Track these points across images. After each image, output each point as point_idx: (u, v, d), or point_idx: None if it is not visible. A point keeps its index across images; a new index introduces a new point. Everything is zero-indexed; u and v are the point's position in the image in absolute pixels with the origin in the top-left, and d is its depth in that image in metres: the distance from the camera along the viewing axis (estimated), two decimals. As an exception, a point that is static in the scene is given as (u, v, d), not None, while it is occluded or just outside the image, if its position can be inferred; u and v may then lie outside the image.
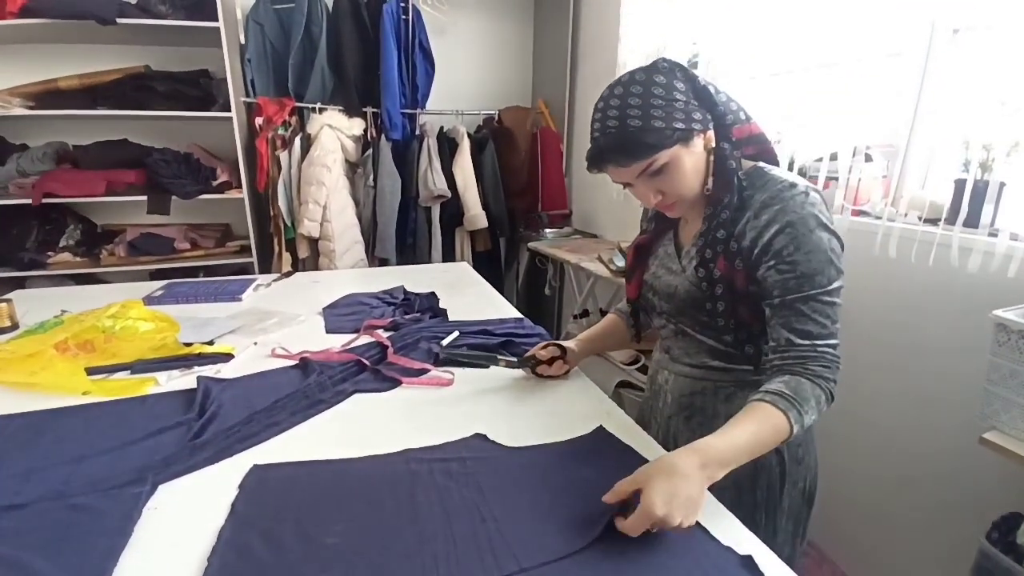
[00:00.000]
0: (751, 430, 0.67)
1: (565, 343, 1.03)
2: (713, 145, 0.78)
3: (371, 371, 1.04)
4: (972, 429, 0.99)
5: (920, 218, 1.24)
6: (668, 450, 0.73)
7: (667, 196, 0.79)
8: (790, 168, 1.49)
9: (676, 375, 0.90)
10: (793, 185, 0.75)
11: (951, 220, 1.18)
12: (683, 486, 0.60)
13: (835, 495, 1.49)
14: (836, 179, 1.38)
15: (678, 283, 0.85)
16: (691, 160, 0.76)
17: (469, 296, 1.57)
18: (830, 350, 0.72)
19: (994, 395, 0.96)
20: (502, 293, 1.65)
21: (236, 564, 0.58)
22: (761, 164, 0.80)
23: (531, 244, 2.51)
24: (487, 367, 1.06)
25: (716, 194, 0.79)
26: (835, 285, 0.73)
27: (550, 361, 1.01)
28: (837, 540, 1.49)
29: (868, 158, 1.37)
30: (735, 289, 0.78)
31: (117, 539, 0.61)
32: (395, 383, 1.00)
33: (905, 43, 1.28)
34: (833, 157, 1.39)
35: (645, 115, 0.73)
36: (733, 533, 0.64)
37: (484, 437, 0.82)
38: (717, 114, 0.78)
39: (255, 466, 0.75)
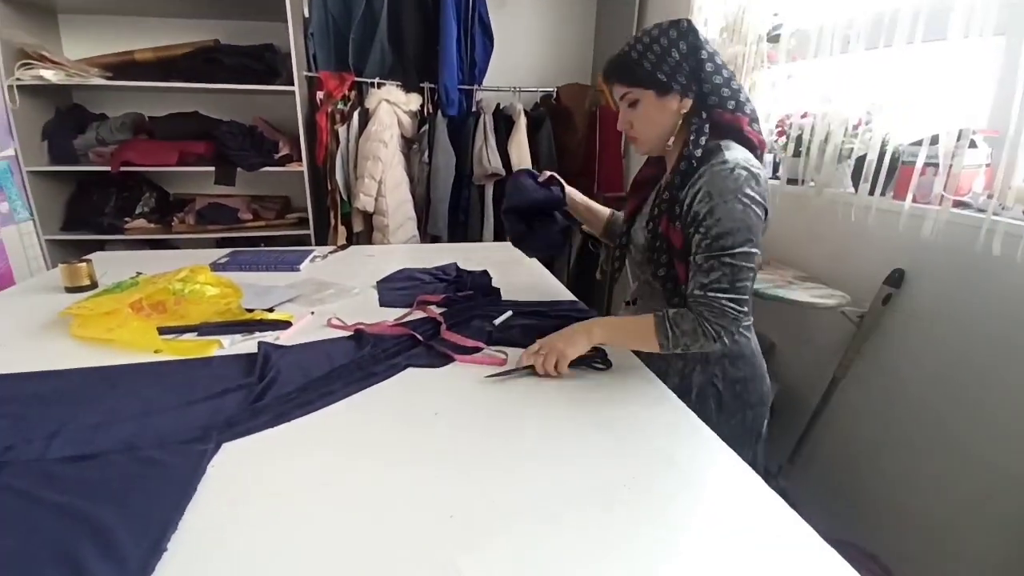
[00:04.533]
0: (632, 325, 0.94)
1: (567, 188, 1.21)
2: (685, 111, 0.89)
3: (424, 346, 1.03)
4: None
5: (1029, 212, 1.11)
6: None
7: (634, 129, 0.94)
8: (882, 151, 1.36)
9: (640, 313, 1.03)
10: (725, 162, 0.85)
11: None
12: (568, 330, 0.92)
13: (908, 506, 1.39)
14: (936, 165, 1.25)
15: (641, 237, 1.00)
16: (659, 111, 0.89)
17: (521, 276, 1.54)
18: (725, 301, 0.83)
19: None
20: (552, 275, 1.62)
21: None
22: (725, 142, 0.88)
23: (584, 227, 2.44)
24: (604, 368, 0.98)
25: (676, 163, 0.91)
26: (740, 250, 0.83)
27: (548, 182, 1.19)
28: (911, 555, 1.39)
29: (972, 144, 1.23)
30: (673, 247, 0.92)
31: (183, 493, 0.63)
32: (448, 359, 0.99)
33: (1017, 19, 1.12)
34: (934, 141, 1.25)
35: (642, 54, 0.88)
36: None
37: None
38: (703, 90, 0.88)
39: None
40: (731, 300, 0.83)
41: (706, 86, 0.88)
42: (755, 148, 0.91)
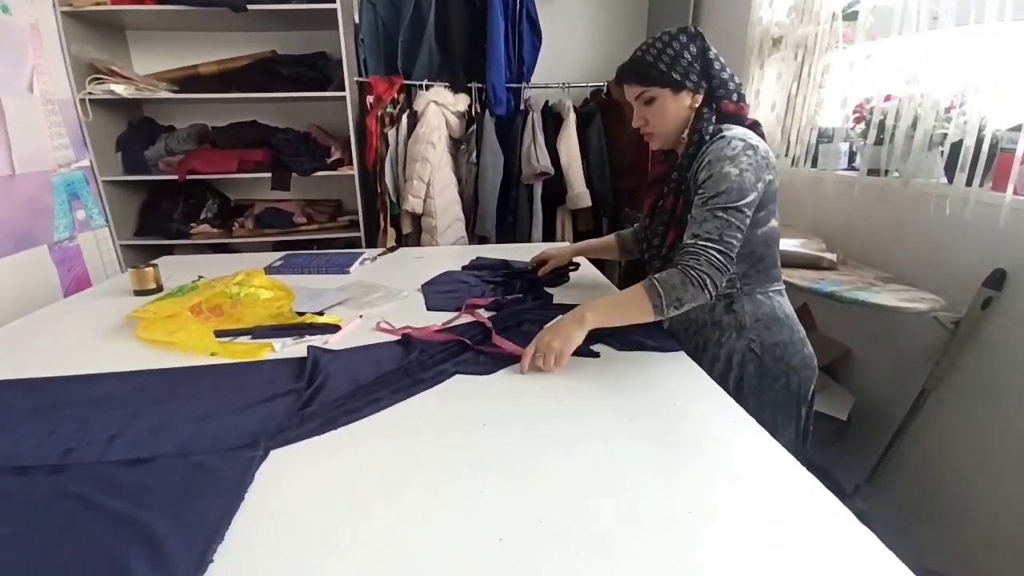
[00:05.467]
0: (622, 299, 0.97)
1: (559, 252, 1.42)
2: (697, 106, 1.00)
3: (472, 352, 1.00)
4: None
5: None
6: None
7: (649, 125, 1.03)
8: (979, 136, 1.21)
9: None
10: (723, 136, 0.96)
11: None
12: (560, 325, 0.93)
13: (1003, 534, 1.23)
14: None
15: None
16: (675, 107, 1.00)
17: (572, 277, 1.48)
18: (712, 251, 0.89)
19: None
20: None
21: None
22: (727, 125, 0.98)
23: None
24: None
25: (686, 148, 1.00)
26: (732, 205, 0.90)
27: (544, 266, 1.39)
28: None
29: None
30: (672, 217, 1.03)
31: (232, 501, 0.62)
32: (497, 367, 0.95)
33: None
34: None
35: (657, 56, 0.98)
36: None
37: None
38: (713, 85, 0.99)
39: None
40: (717, 251, 0.89)
41: (715, 81, 0.99)
42: (756, 127, 1.03)
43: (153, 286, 1.42)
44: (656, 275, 0.92)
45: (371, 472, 0.68)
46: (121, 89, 2.16)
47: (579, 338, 0.92)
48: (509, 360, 0.96)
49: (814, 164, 1.75)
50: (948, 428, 1.38)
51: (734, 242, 0.91)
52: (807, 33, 1.69)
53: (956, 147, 1.27)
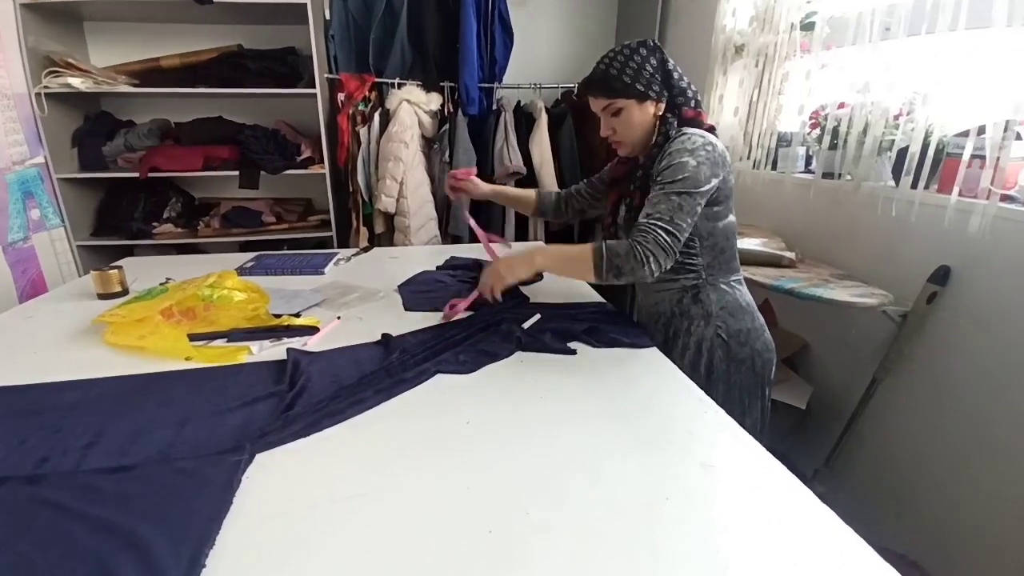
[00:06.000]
0: (570, 252, 1.04)
1: (477, 186, 1.39)
2: (660, 113, 1.07)
3: (453, 351, 1.01)
4: None
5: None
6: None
7: (617, 134, 1.10)
8: (926, 142, 1.30)
9: (641, 290, 1.21)
10: (683, 134, 1.03)
11: None
12: (508, 258, 1.05)
13: (952, 513, 1.33)
14: (982, 157, 1.18)
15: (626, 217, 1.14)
16: (640, 115, 1.06)
17: (547, 278, 1.52)
18: (660, 231, 0.94)
19: None
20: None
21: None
22: (687, 129, 1.05)
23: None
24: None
25: (650, 150, 1.07)
26: (685, 190, 0.96)
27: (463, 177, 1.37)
28: (955, 566, 1.34)
29: (1018, 136, 1.16)
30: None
31: (220, 505, 0.63)
32: (477, 365, 0.97)
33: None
34: (980, 132, 1.19)
35: (621, 69, 1.03)
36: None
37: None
38: (673, 93, 1.07)
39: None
40: (665, 231, 0.95)
41: (675, 90, 1.06)
42: (713, 131, 1.09)
43: (118, 289, 1.38)
44: (608, 241, 0.98)
45: (358, 471, 0.70)
46: (78, 82, 2.07)
47: (525, 272, 1.04)
48: (491, 359, 0.98)
49: (774, 167, 1.84)
50: (897, 415, 1.47)
51: (684, 225, 0.96)
52: (767, 42, 1.77)
53: (903, 152, 1.36)
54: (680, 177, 0.97)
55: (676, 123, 1.06)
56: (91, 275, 1.37)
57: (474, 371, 0.96)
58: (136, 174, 2.27)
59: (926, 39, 1.29)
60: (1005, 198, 1.17)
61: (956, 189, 1.24)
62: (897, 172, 1.39)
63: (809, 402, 1.64)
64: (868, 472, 1.57)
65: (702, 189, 0.98)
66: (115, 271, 1.37)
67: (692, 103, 1.08)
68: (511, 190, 1.44)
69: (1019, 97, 1.15)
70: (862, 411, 1.53)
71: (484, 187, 1.40)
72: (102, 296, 1.35)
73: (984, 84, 1.23)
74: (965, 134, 1.22)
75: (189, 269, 1.46)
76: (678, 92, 1.07)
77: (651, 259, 0.93)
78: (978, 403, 1.27)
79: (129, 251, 2.29)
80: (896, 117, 1.41)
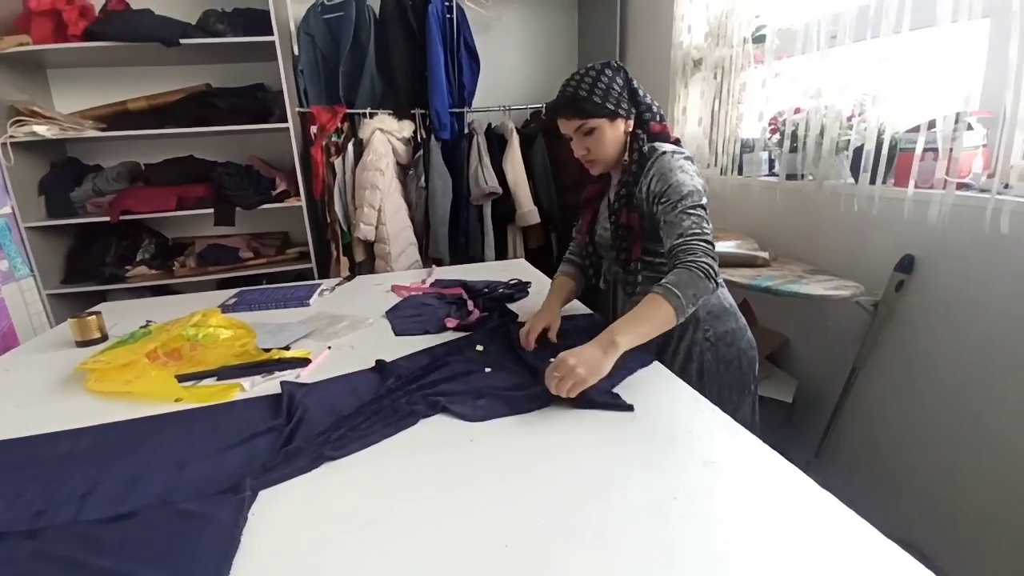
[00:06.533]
0: (643, 313, 0.91)
1: (548, 317, 1.16)
2: (631, 130, 1.10)
3: (460, 382, 0.97)
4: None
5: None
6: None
7: (591, 153, 1.11)
8: (880, 139, 1.37)
9: (623, 301, 1.21)
10: (664, 153, 1.07)
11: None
12: (587, 351, 0.86)
13: (938, 491, 1.37)
14: (934, 150, 1.26)
15: (608, 234, 1.16)
16: (612, 133, 1.09)
17: (532, 293, 1.54)
18: (702, 242, 0.95)
19: None
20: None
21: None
22: (657, 143, 1.10)
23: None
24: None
25: (627, 166, 1.10)
26: (698, 203, 0.99)
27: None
28: (947, 543, 1.38)
29: (969, 126, 1.24)
30: (632, 231, 1.10)
31: (228, 544, 0.62)
32: (488, 414, 0.87)
33: (998, 1, 1.15)
34: (931, 125, 1.26)
35: (591, 90, 1.06)
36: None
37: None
38: (640, 110, 1.10)
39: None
40: (706, 241, 0.95)
41: (642, 107, 1.10)
42: (679, 143, 1.14)
43: (97, 335, 1.35)
44: (663, 281, 0.91)
45: (366, 498, 0.69)
46: (44, 130, 2.04)
47: (607, 367, 0.85)
48: (512, 411, 0.89)
49: (740, 172, 1.91)
50: (878, 400, 1.53)
51: (711, 234, 0.97)
52: (723, 55, 1.86)
53: (859, 151, 1.44)
54: (685, 193, 0.99)
55: (646, 138, 1.10)
56: (69, 323, 1.34)
57: (483, 420, 0.86)
58: (107, 218, 2.23)
59: (872, 43, 1.38)
60: (961, 186, 1.24)
61: (912, 182, 1.31)
62: (855, 170, 1.46)
63: (795, 395, 1.69)
64: (855, 458, 1.61)
65: (704, 200, 1.01)
66: (93, 317, 1.35)
67: (658, 118, 1.12)
68: (563, 294, 1.26)
69: (968, 89, 1.24)
70: (845, 401, 1.58)
71: (557, 313, 1.19)
72: (81, 344, 1.32)
73: (931, 80, 1.31)
74: (916, 129, 1.30)
75: (169, 310, 1.44)
76: (644, 108, 1.11)
77: (712, 271, 0.91)
78: (953, 382, 1.32)
79: (101, 297, 2.24)
80: (849, 118, 1.49)
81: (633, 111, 1.10)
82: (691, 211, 0.98)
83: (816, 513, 0.62)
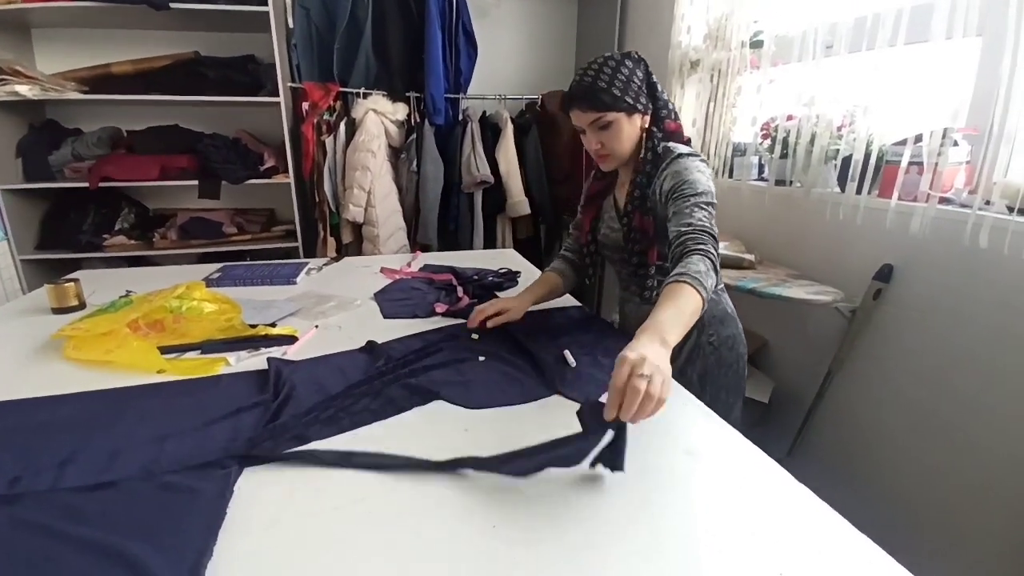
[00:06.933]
0: (674, 307, 0.80)
1: (509, 304, 1.15)
2: (647, 126, 1.07)
3: (454, 367, 0.97)
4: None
5: (1011, 208, 1.16)
6: None
7: (605, 147, 1.06)
8: (868, 150, 1.41)
9: (637, 305, 1.17)
10: (680, 155, 1.03)
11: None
12: (659, 362, 0.69)
13: (906, 494, 1.43)
14: (919, 164, 1.30)
15: (618, 236, 1.13)
16: (629, 129, 1.05)
17: (522, 282, 1.55)
18: (709, 235, 0.91)
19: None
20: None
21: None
22: (671, 143, 1.07)
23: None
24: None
25: (641, 164, 1.06)
26: (711, 201, 0.97)
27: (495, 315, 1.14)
28: (910, 542, 1.43)
29: (955, 143, 1.28)
30: (646, 235, 1.07)
31: (214, 516, 0.61)
32: (482, 401, 0.87)
33: (992, 20, 1.18)
34: (917, 140, 1.30)
35: (610, 82, 1.01)
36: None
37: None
38: (657, 106, 1.07)
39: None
40: (712, 236, 0.92)
41: (659, 103, 1.07)
42: (690, 143, 1.12)
43: (75, 303, 1.31)
44: (680, 270, 0.85)
45: (354, 477, 0.69)
46: (26, 90, 1.96)
47: (668, 359, 0.73)
48: (509, 402, 0.88)
49: (731, 175, 1.94)
50: (851, 404, 1.58)
51: (717, 234, 0.94)
52: (720, 58, 1.87)
53: (847, 161, 1.47)
54: (701, 190, 0.97)
55: (661, 136, 1.06)
56: (45, 288, 1.31)
57: (478, 409, 0.86)
58: (86, 184, 2.17)
59: (866, 54, 1.41)
60: (943, 200, 1.28)
61: (896, 194, 1.35)
62: (842, 179, 1.50)
63: (771, 396, 1.73)
64: (827, 460, 1.66)
65: (715, 201, 0.99)
66: (71, 284, 1.31)
67: (673, 115, 1.09)
68: (541, 288, 1.24)
69: (956, 105, 1.27)
70: (819, 403, 1.63)
71: (524, 304, 1.18)
72: (57, 311, 1.29)
73: (920, 95, 1.35)
74: (903, 143, 1.33)
75: (150, 281, 1.41)
76: (661, 105, 1.07)
77: (716, 264, 0.88)
78: (924, 390, 1.37)
79: (76, 265, 2.17)
80: (839, 128, 1.52)
81: (650, 107, 1.06)
82: (704, 206, 0.95)
83: (792, 505, 0.65)
